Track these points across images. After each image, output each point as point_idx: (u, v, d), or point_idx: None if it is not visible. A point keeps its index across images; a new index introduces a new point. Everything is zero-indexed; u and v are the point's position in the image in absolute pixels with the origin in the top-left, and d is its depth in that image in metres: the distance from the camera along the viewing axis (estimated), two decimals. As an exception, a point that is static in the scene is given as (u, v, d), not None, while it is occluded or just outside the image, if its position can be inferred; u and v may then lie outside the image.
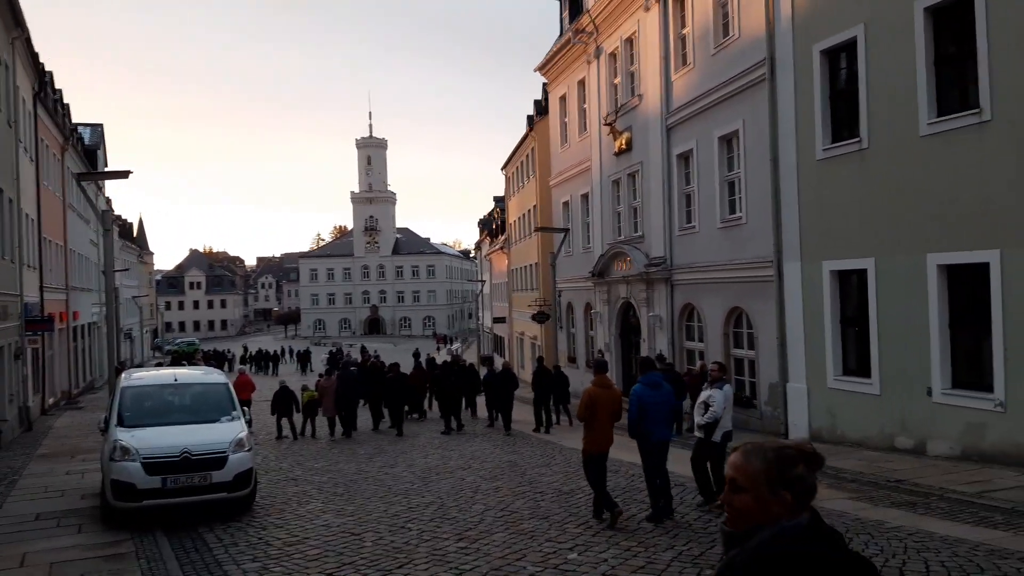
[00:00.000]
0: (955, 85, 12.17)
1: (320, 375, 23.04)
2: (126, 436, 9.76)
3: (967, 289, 12.15)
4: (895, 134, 12.96)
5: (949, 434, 12.30)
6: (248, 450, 10.12)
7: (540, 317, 30.69)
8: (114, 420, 10.26)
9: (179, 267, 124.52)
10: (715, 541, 8.15)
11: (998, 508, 9.11)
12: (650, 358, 10.67)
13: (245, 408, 11.56)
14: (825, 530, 2.17)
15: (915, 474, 11.26)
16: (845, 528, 8.47)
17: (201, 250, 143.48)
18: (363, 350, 54.80)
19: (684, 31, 20.06)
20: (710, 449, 9.83)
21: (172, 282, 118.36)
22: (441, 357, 37.76)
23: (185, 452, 9.54)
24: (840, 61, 14.43)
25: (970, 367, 12.20)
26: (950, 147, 11.99)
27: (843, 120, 14.37)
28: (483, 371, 22.21)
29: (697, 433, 9.97)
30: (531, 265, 37.91)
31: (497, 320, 49.85)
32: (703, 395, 10.05)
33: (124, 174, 15.79)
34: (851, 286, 14.55)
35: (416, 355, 34.22)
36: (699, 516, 9.50)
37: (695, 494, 10.23)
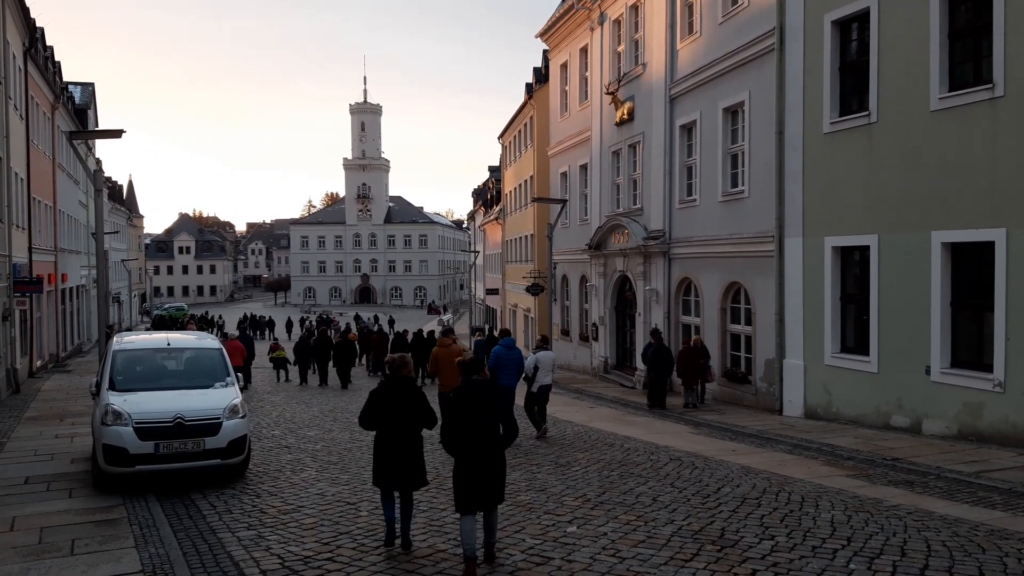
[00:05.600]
0: (969, 59, 11.97)
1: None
2: (118, 400, 9.58)
3: (971, 268, 12.07)
4: (905, 108, 12.77)
5: (946, 413, 12.29)
6: (242, 417, 9.96)
7: (534, 289, 30.55)
8: (106, 384, 10.06)
9: (168, 231, 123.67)
10: (714, 516, 8.09)
11: (996, 488, 9.10)
12: (507, 329, 15.90)
13: (239, 375, 11.38)
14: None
15: (912, 453, 11.26)
16: (844, 506, 8.44)
17: (191, 214, 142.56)
18: (357, 318, 55.96)
19: (691, -2, 19.67)
20: (532, 396, 13.58)
21: (161, 246, 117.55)
22: (435, 328, 37.98)
23: (178, 417, 9.38)
24: (851, 32, 14.17)
25: (970, 347, 12.17)
26: (961, 123, 11.82)
27: (852, 93, 14.16)
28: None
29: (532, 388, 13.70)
30: (526, 236, 37.68)
31: (490, 292, 49.71)
32: (530, 358, 13.63)
33: (117, 133, 15.44)
34: (853, 263, 14.44)
35: (391, 323, 36.92)
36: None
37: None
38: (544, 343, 14.70)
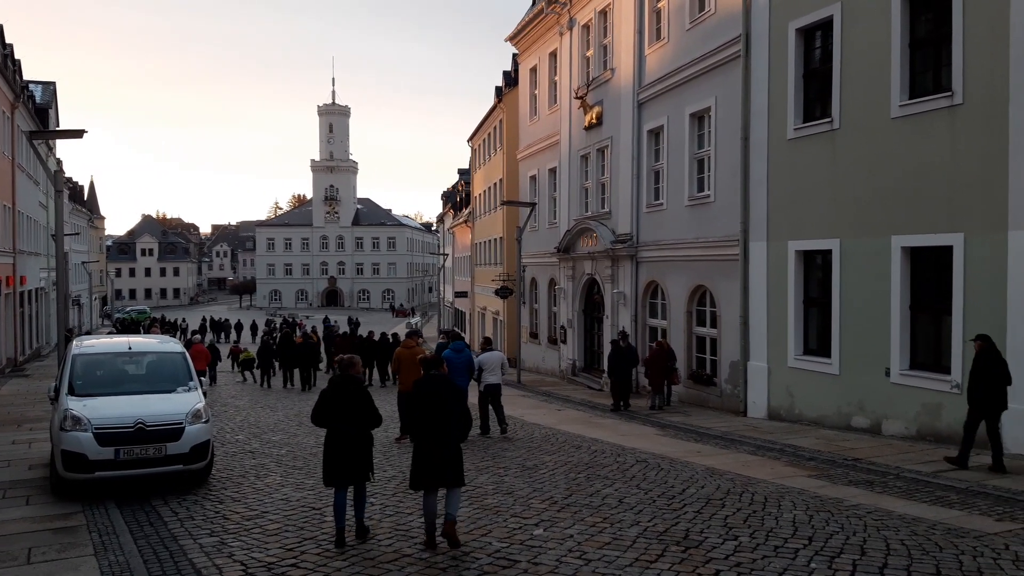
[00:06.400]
0: (929, 68, 12.25)
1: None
2: (77, 405, 9.39)
3: (929, 272, 12.33)
4: (866, 115, 13.02)
5: (905, 414, 12.53)
6: (205, 421, 9.81)
7: (503, 292, 30.57)
8: (64, 389, 9.87)
9: (131, 233, 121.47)
10: (679, 517, 8.16)
11: (953, 488, 9.29)
12: (456, 331, 16.93)
13: (202, 379, 11.21)
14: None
15: (872, 453, 11.47)
16: (806, 506, 8.56)
17: (154, 216, 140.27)
18: (326, 321, 55.85)
19: (659, 4, 19.84)
20: (482, 395, 14.10)
21: (123, 248, 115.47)
22: (403, 330, 37.97)
23: (139, 423, 9.21)
24: (815, 40, 14.42)
25: (928, 349, 12.42)
26: (920, 130, 12.08)
27: (815, 100, 14.40)
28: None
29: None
30: (496, 239, 37.68)
31: (459, 294, 49.62)
32: (476, 360, 14.19)
33: (78, 133, 15.14)
34: (816, 267, 14.67)
35: (356, 324, 46.02)
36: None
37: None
38: (488, 344, 15.49)
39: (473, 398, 13.96)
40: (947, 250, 11.74)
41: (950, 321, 11.78)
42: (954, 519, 7.99)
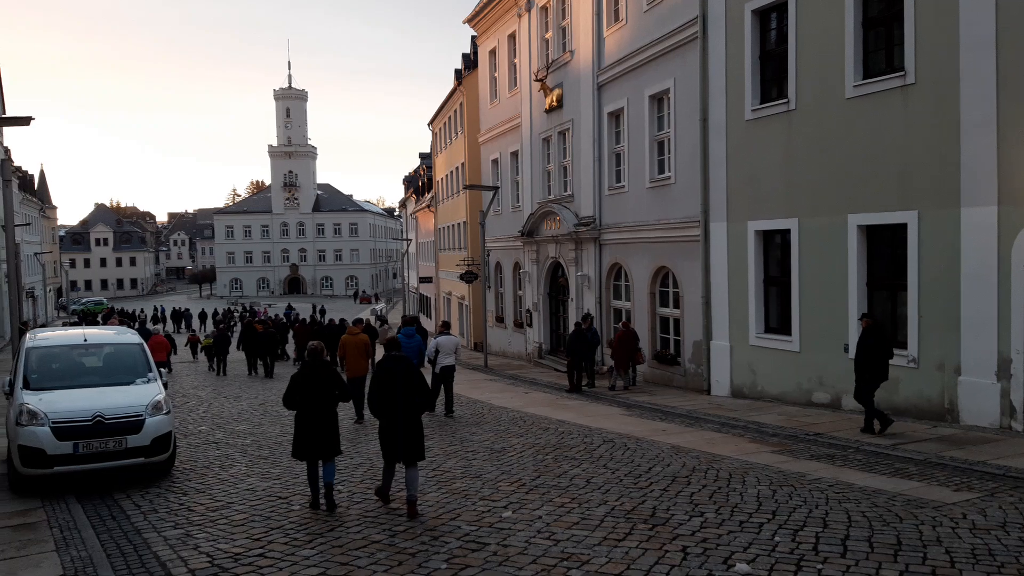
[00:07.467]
0: (882, 47, 12.42)
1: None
2: (33, 399, 9.20)
3: (885, 249, 12.57)
4: (822, 95, 13.18)
5: (864, 389, 12.78)
6: (166, 413, 9.69)
7: (468, 277, 30.49)
8: (19, 383, 9.67)
9: (84, 222, 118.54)
10: (645, 496, 8.25)
11: (912, 459, 9.52)
12: (413, 317, 16.83)
13: (162, 370, 11.03)
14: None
15: (832, 427, 11.70)
16: (769, 481, 8.71)
17: (108, 204, 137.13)
18: (289, 308, 55.52)
19: (617, -15, 19.80)
20: (436, 377, 14.40)
21: (77, 238, 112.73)
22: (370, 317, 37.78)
23: (98, 416, 9.05)
24: (771, 21, 14.53)
25: (885, 324, 12.65)
26: (874, 109, 12.26)
27: (772, 81, 14.53)
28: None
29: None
30: (459, 224, 37.54)
31: (423, 280, 49.39)
32: (432, 342, 14.93)
33: (25, 120, 14.65)
34: (775, 246, 14.87)
35: (322, 312, 47.18)
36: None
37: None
38: (445, 328, 16.18)
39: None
40: (902, 227, 11.98)
41: (906, 296, 12.04)
42: (913, 490, 8.18)
